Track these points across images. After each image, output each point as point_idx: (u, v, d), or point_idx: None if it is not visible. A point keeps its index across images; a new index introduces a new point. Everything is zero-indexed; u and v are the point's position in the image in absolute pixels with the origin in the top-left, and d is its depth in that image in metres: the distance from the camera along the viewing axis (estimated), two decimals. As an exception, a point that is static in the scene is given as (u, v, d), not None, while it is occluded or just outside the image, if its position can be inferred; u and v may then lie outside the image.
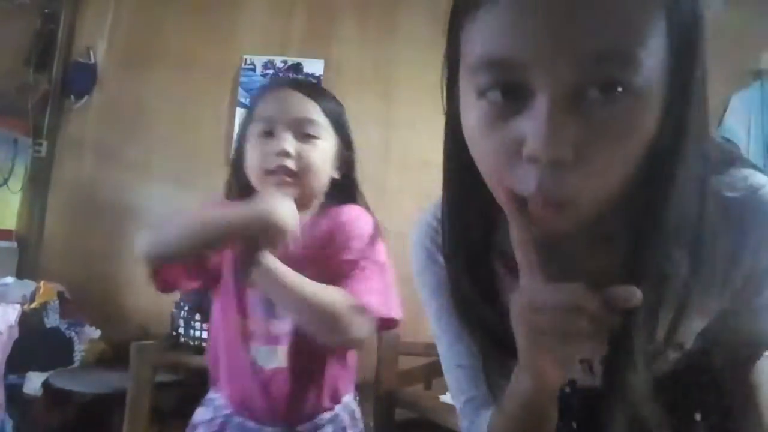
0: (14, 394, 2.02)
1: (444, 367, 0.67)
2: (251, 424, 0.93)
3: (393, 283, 0.94)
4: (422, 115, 2.34)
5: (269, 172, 0.91)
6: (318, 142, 0.93)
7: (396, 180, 2.49)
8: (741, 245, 0.52)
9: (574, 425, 0.70)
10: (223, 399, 0.96)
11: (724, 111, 2.82)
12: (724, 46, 2.96)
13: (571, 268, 0.52)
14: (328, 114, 0.96)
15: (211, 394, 1.00)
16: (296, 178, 0.91)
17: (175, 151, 2.66)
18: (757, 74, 2.85)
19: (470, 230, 0.56)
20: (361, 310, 0.85)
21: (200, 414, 0.99)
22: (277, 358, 0.91)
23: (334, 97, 1.00)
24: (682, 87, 0.46)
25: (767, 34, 2.87)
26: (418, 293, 0.68)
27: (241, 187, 0.97)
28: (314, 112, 0.94)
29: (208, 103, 2.70)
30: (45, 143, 2.77)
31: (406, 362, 1.96)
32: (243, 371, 0.92)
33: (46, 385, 2.02)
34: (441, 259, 0.61)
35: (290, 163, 0.90)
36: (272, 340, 0.91)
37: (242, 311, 0.92)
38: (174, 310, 2.02)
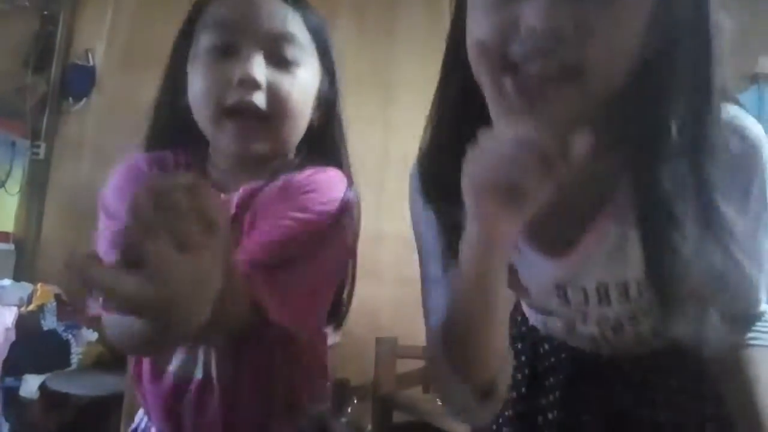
0: (11, 397, 2.01)
1: (423, 299, 0.67)
2: None
3: (328, 288, 0.67)
4: (421, 117, 2.34)
5: (228, 112, 0.63)
6: (298, 71, 0.67)
7: (395, 182, 2.48)
8: (720, 169, 0.53)
9: (555, 396, 0.73)
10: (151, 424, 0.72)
11: (722, 114, 2.83)
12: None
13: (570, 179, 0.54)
14: (312, 29, 0.69)
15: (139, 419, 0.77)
16: (266, 122, 0.64)
17: (174, 153, 2.67)
18: (754, 78, 2.86)
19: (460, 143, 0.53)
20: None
21: None
22: (198, 367, 0.63)
23: (315, 8, 0.72)
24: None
25: (764, 38, 2.88)
26: (416, 293, 0.68)
27: (172, 133, 0.71)
28: (295, 24, 0.67)
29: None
30: (43, 145, 2.76)
31: (404, 365, 1.96)
32: (162, 388, 0.65)
33: (42, 387, 2.01)
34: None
35: (259, 99, 0.63)
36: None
37: None
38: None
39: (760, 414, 0.57)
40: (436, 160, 0.62)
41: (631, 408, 0.69)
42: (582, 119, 0.48)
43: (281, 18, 0.67)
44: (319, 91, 0.71)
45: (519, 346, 0.78)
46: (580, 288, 0.64)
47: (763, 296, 0.67)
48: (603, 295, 0.63)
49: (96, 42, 2.85)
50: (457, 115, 0.60)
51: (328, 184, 0.66)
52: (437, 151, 0.62)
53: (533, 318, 0.78)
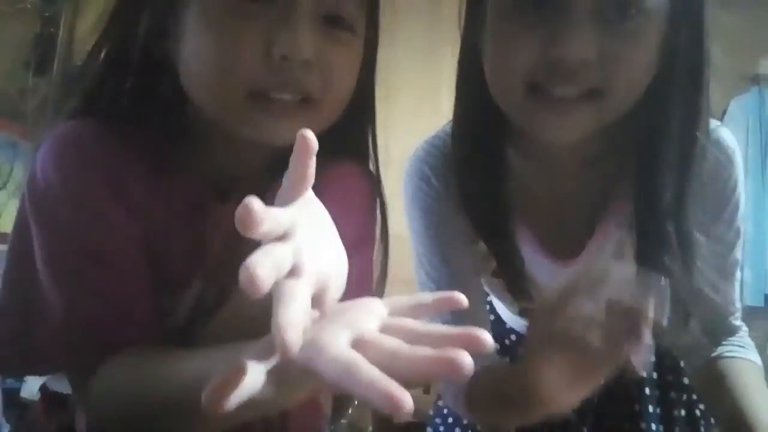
0: (12, 398, 2.01)
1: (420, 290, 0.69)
2: None
3: None
4: (421, 120, 2.35)
5: (260, 96, 0.46)
6: (352, 39, 0.50)
7: (395, 182, 2.49)
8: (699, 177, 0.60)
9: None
10: None
11: (723, 116, 2.83)
12: (722, 52, 2.97)
13: (557, 194, 0.62)
14: None
15: None
16: (307, 109, 0.48)
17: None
18: (755, 80, 2.86)
19: (479, 150, 0.61)
20: None
21: None
22: None
23: None
24: (682, 20, 0.54)
25: (765, 39, 2.88)
26: (415, 293, 0.67)
27: (127, 96, 0.51)
28: None
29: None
30: (44, 147, 2.77)
31: (405, 366, 1.95)
32: None
33: (43, 389, 2.01)
34: (435, 182, 0.66)
35: (306, 82, 0.47)
36: None
37: None
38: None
39: (743, 421, 0.59)
40: (459, 172, 0.64)
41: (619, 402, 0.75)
42: (596, 131, 0.53)
43: None
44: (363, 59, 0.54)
45: (508, 360, 0.81)
46: None
47: (736, 309, 0.72)
48: None
49: (97, 44, 2.85)
50: (476, 130, 0.62)
51: (361, 211, 0.57)
52: (461, 163, 0.64)
53: (521, 327, 0.82)
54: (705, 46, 0.56)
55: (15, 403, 2.01)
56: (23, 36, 2.74)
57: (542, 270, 0.67)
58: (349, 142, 0.58)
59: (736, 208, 0.69)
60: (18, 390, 2.03)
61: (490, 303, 0.82)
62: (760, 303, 2.72)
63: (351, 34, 0.50)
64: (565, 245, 0.65)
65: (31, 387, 2.03)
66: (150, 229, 0.49)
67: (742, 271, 2.96)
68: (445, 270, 0.64)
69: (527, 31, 0.51)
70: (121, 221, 0.48)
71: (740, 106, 2.84)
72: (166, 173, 0.50)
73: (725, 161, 0.65)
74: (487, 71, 0.56)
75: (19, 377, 1.95)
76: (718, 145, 0.64)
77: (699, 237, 0.60)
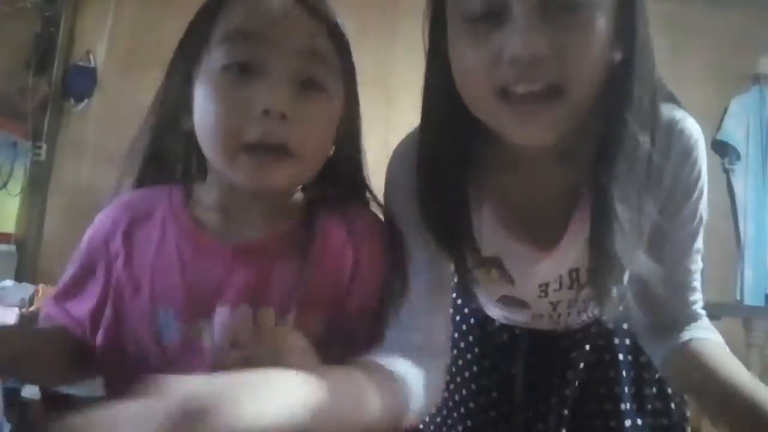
0: (13, 397, 2.01)
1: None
2: None
3: None
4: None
5: (247, 147, 0.55)
6: (325, 96, 0.59)
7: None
8: (663, 165, 0.62)
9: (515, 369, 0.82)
10: None
11: (723, 115, 2.82)
12: (723, 51, 2.98)
13: (532, 187, 0.65)
14: (339, 47, 0.61)
15: None
16: (289, 157, 0.56)
17: (175, 154, 2.66)
18: (756, 78, 2.86)
19: (445, 160, 0.63)
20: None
21: None
22: None
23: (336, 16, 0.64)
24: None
25: (766, 38, 2.88)
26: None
27: (168, 164, 0.64)
28: (325, 41, 0.59)
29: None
30: (44, 146, 2.77)
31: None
32: None
33: (44, 388, 2.02)
34: (410, 177, 0.66)
35: (284, 133, 0.55)
36: None
37: None
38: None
39: (740, 397, 0.58)
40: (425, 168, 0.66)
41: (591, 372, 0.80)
42: (565, 128, 0.56)
43: (313, 32, 0.58)
44: (341, 117, 0.63)
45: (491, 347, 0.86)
46: (557, 277, 0.71)
47: (699, 297, 0.75)
48: (574, 279, 0.71)
49: (97, 43, 2.85)
50: (441, 135, 0.64)
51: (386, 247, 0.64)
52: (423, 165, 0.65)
53: (491, 312, 0.85)
54: (640, 34, 0.56)
55: (16, 403, 2.01)
56: (23, 35, 2.74)
57: (521, 259, 0.69)
58: (342, 177, 0.66)
59: (700, 196, 0.71)
60: (19, 389, 2.03)
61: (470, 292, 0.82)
62: (761, 302, 2.71)
63: (324, 94, 0.59)
64: (543, 234, 0.67)
65: (32, 387, 2.03)
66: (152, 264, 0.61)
67: (743, 270, 2.97)
68: (417, 256, 0.64)
69: (482, 38, 0.54)
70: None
71: (741, 104, 2.84)
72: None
73: (688, 150, 0.67)
74: (456, 83, 0.58)
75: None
76: (682, 134, 0.66)
77: (661, 223, 0.62)
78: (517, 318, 0.82)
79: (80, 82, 2.80)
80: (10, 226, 2.71)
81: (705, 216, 0.73)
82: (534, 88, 0.52)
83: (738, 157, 2.83)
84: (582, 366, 0.81)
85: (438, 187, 0.63)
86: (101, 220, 0.64)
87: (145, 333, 0.58)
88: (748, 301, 2.71)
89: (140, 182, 0.65)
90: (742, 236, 2.76)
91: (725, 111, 2.83)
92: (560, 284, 0.72)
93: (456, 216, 0.63)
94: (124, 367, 0.59)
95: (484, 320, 0.87)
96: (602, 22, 0.53)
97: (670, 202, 0.66)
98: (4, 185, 2.62)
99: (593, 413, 0.80)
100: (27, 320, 2.18)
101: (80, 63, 2.82)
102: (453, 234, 0.63)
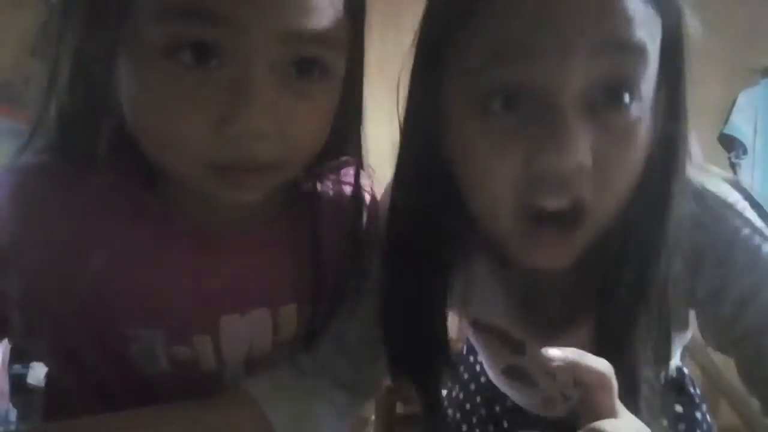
0: (18, 384, 2.03)
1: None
2: None
3: None
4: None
5: (213, 166, 0.40)
6: (325, 81, 0.43)
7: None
8: (701, 258, 0.48)
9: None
10: None
11: (731, 109, 2.80)
12: (732, 44, 2.95)
13: (543, 296, 0.53)
14: (353, 13, 0.45)
15: None
16: (273, 170, 0.42)
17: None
18: (765, 72, 2.84)
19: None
20: None
21: None
22: None
23: None
24: (671, 99, 0.43)
25: (775, 31, 2.86)
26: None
27: (86, 136, 0.43)
28: (332, 11, 0.40)
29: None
30: (50, 134, 2.77)
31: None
32: None
33: (49, 375, 2.03)
34: None
35: (266, 150, 0.40)
36: None
37: None
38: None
39: None
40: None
41: None
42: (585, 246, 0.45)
43: (314, 4, 0.38)
44: (343, 85, 0.47)
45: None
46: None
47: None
48: None
49: (103, 31, 2.85)
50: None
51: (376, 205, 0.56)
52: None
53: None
54: (682, 129, 0.43)
55: (22, 389, 2.03)
56: (29, 24, 2.73)
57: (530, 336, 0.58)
58: (339, 141, 0.52)
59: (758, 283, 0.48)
60: (24, 376, 2.05)
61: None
62: None
63: (326, 77, 0.42)
64: (544, 325, 0.56)
65: (38, 373, 2.05)
66: (105, 273, 0.42)
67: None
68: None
69: (498, 134, 0.39)
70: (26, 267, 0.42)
71: (749, 98, 2.82)
72: (132, 217, 0.44)
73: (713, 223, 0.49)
74: (463, 185, 0.45)
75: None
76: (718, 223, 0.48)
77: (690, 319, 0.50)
78: (524, 401, 0.70)
79: (86, 71, 2.80)
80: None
81: None
82: (561, 205, 0.40)
83: (745, 152, 2.81)
84: None
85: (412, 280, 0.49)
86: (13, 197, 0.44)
87: (108, 364, 0.45)
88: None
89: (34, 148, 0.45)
90: (747, 231, 2.75)
91: (733, 104, 2.81)
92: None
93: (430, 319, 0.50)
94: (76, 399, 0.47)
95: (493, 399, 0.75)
96: (649, 121, 0.40)
97: (714, 297, 0.49)
98: (10, 173, 2.63)
99: None
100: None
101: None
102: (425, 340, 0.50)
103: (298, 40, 0.38)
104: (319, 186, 0.52)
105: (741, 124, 2.81)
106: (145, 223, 0.44)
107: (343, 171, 0.54)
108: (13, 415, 2.00)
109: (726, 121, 2.81)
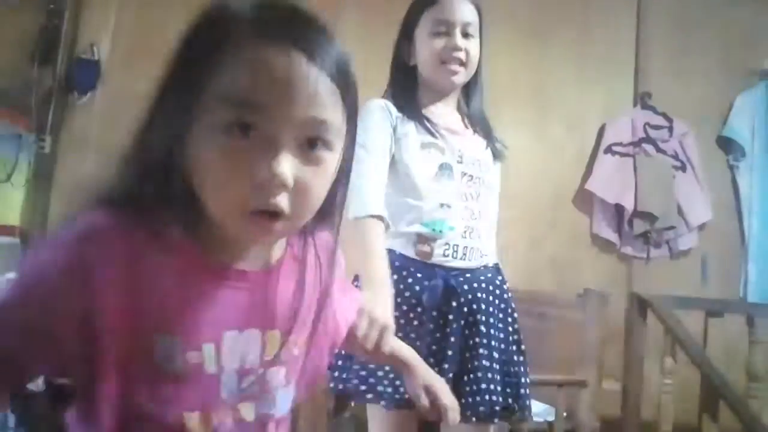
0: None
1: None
2: None
3: None
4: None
5: (251, 214, 0.55)
6: (327, 157, 0.58)
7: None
8: None
9: None
10: None
11: (729, 111, 2.81)
12: (730, 47, 2.96)
13: None
14: (349, 105, 0.60)
15: None
16: (288, 219, 0.57)
17: (179, 147, 2.66)
18: (763, 74, 2.85)
19: None
20: None
21: None
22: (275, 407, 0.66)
23: (353, 73, 0.61)
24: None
25: (772, 34, 2.87)
26: None
27: (152, 191, 0.58)
28: (335, 106, 0.58)
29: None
30: (49, 139, 2.77)
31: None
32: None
33: (48, 379, 2.02)
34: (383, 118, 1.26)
35: (284, 202, 0.55)
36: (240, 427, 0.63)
37: (206, 399, 0.60)
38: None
39: None
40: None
41: None
42: None
43: (322, 102, 0.56)
44: (338, 168, 0.62)
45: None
46: None
47: None
48: None
49: (101, 36, 2.85)
50: None
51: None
52: None
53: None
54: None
55: (20, 394, 2.02)
56: (28, 28, 2.74)
57: None
58: (329, 218, 0.68)
59: None
60: (23, 381, 2.05)
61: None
62: (765, 299, 2.71)
63: (328, 152, 0.59)
64: None
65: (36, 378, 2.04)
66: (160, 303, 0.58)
67: (747, 267, 2.95)
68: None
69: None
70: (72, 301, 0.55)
71: (747, 100, 2.83)
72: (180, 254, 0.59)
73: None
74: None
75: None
76: None
77: None
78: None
79: (84, 76, 2.80)
80: (14, 219, 2.72)
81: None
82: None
83: (743, 154, 2.82)
84: None
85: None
86: (73, 250, 0.56)
87: (140, 363, 0.57)
88: (752, 298, 2.71)
89: (114, 205, 0.58)
90: (746, 233, 2.76)
91: (731, 107, 2.82)
92: None
93: None
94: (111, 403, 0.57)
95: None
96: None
97: None
98: (8, 178, 2.63)
99: None
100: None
101: (84, 56, 2.82)
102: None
103: (310, 123, 0.56)
104: (307, 242, 0.69)
105: (739, 127, 2.81)
106: (183, 260, 0.59)
107: (322, 234, 0.71)
108: (11, 420, 1.99)
109: (724, 123, 2.82)
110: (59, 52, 2.80)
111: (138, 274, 0.56)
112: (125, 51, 2.83)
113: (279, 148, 0.54)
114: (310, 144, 0.56)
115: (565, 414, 2.06)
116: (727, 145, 2.84)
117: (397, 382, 1.12)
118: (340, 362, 1.20)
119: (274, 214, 0.56)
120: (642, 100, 2.80)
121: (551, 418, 2.04)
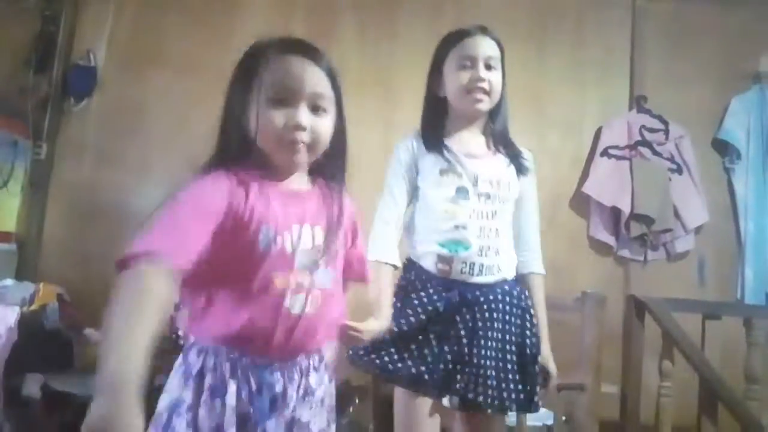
0: (13, 396, 2.01)
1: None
2: (246, 360, 0.94)
3: None
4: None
5: (286, 143, 0.97)
6: (326, 116, 1.01)
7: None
8: None
9: None
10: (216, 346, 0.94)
11: (724, 113, 2.82)
12: (724, 49, 2.98)
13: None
14: (335, 88, 1.03)
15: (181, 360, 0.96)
16: (308, 150, 0.99)
17: (175, 153, 2.65)
18: (757, 77, 2.86)
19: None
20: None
21: (176, 377, 0.93)
22: (307, 305, 0.97)
23: (334, 65, 1.03)
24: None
25: (766, 37, 2.88)
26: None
27: (236, 150, 0.99)
28: (327, 86, 1.01)
29: (208, 106, 2.69)
30: (45, 145, 2.77)
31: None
32: (270, 319, 0.95)
33: (44, 387, 2.02)
34: (406, 158, 1.43)
35: (305, 137, 0.97)
36: (303, 290, 0.97)
37: (286, 267, 0.95)
38: (173, 312, 2.01)
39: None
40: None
41: None
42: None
43: (319, 82, 1.00)
44: (334, 125, 1.04)
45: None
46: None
47: None
48: None
49: (97, 42, 2.85)
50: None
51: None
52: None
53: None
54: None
55: (16, 402, 2.01)
56: (24, 35, 2.74)
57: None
58: (337, 170, 1.09)
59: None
60: (19, 388, 2.04)
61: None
62: (762, 301, 2.71)
63: (326, 114, 1.01)
64: None
65: (32, 385, 2.03)
66: (263, 210, 0.95)
67: (743, 269, 2.95)
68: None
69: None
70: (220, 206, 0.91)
71: (742, 103, 2.84)
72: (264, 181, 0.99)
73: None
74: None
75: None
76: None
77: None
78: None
79: (80, 82, 2.80)
80: (10, 225, 2.72)
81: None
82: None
83: (738, 156, 2.82)
84: None
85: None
86: (221, 182, 0.93)
87: (248, 242, 0.93)
88: (749, 299, 2.71)
89: (219, 161, 0.98)
90: (742, 235, 2.76)
91: (726, 110, 2.83)
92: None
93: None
94: (229, 268, 0.92)
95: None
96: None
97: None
98: (5, 184, 2.62)
99: None
100: (27, 319, 2.18)
101: (80, 62, 2.82)
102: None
103: (315, 96, 0.99)
104: (328, 183, 1.09)
105: (734, 129, 2.82)
106: (262, 183, 0.97)
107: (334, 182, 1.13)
108: (7, 428, 1.98)
109: (719, 126, 2.83)
110: (55, 59, 2.80)
111: (250, 192, 0.95)
112: (121, 58, 2.83)
113: (300, 108, 0.97)
114: (315, 108, 0.99)
115: (563, 418, 2.06)
116: (722, 147, 2.84)
117: (422, 367, 1.31)
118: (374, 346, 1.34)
119: (301, 143, 0.97)
120: (638, 103, 2.81)
121: (550, 422, 2.04)
